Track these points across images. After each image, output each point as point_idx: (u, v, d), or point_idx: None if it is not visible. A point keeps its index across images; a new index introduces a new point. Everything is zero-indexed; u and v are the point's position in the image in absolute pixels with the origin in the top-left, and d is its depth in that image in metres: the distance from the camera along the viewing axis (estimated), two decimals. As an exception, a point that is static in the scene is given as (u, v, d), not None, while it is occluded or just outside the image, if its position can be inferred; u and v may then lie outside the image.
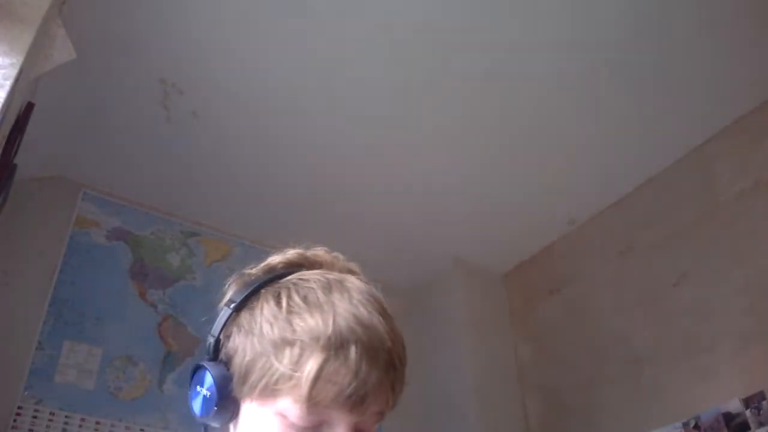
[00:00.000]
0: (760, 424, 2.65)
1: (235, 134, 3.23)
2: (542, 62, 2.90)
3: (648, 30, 2.77)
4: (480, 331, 3.91)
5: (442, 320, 4.02)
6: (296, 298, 0.85)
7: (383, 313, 0.87)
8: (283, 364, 0.80)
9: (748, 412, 2.71)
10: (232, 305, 0.88)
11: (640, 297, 3.34)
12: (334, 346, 0.79)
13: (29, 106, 2.41)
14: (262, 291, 0.88)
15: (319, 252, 0.96)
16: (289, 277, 0.89)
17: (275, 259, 0.94)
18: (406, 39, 2.79)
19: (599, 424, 3.34)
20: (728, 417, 2.77)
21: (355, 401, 0.79)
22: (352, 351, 0.80)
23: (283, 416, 0.80)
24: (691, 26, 2.75)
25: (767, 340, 2.76)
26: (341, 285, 0.87)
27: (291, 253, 0.94)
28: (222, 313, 0.88)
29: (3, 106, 1.66)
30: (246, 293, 0.88)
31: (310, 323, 0.81)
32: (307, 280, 0.88)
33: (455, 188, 3.56)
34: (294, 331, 0.81)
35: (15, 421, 2.85)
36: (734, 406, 2.77)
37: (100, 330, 3.20)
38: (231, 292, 0.91)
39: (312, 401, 0.78)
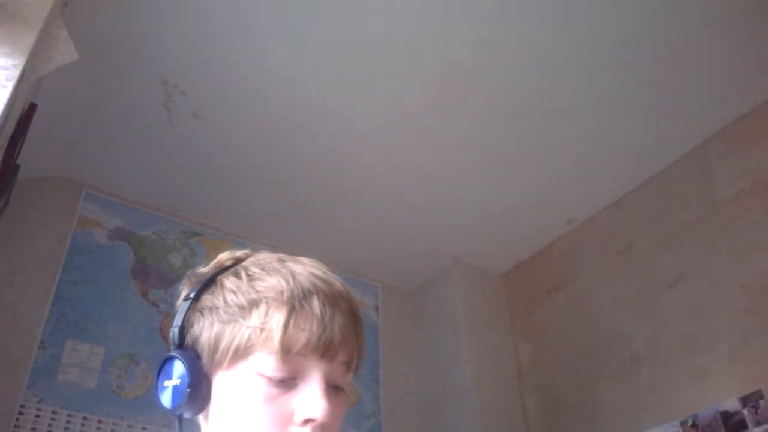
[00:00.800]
0: (758, 423, 2.65)
1: (236, 135, 3.24)
2: (542, 61, 2.91)
3: (647, 30, 2.77)
4: (479, 330, 3.91)
5: (441, 320, 4.03)
6: (254, 269, 0.90)
7: (335, 274, 0.92)
8: (252, 322, 0.83)
9: (745, 411, 2.72)
10: (192, 295, 0.90)
11: (639, 297, 3.34)
12: (298, 297, 0.84)
13: (32, 107, 2.42)
14: (218, 277, 0.91)
15: (265, 252, 0.99)
16: (242, 263, 0.93)
17: (224, 256, 0.97)
18: (407, 39, 2.80)
19: (598, 422, 3.35)
20: (726, 416, 2.78)
21: (325, 345, 0.83)
22: (315, 300, 0.85)
23: (259, 374, 0.82)
24: (690, 26, 2.75)
25: (765, 340, 2.76)
26: (293, 258, 0.93)
27: (239, 252, 0.98)
28: (183, 305, 0.91)
29: (6, 106, 1.67)
30: (202, 283, 0.91)
31: (271, 282, 0.86)
32: (262, 258, 0.93)
33: (455, 189, 3.57)
34: (258, 292, 0.86)
35: (18, 419, 2.85)
36: (732, 404, 2.77)
37: (102, 329, 3.21)
38: (186, 289, 0.94)
39: (284, 349, 0.81)
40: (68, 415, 2.98)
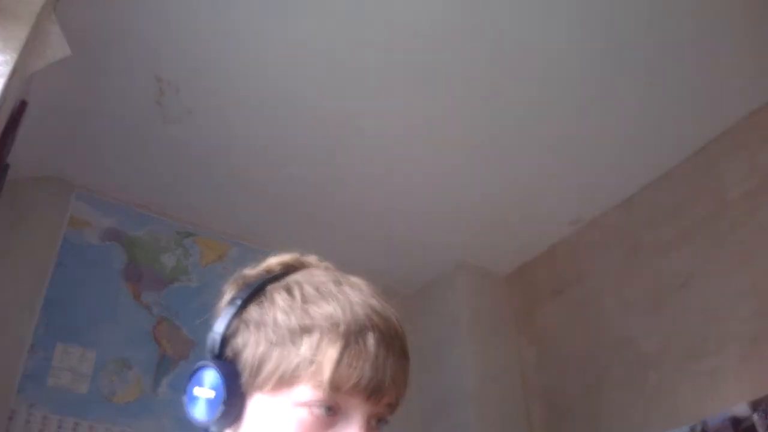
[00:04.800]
0: (768, 429, 2.63)
1: (231, 133, 3.21)
2: (546, 61, 2.88)
3: (654, 28, 2.75)
4: (483, 333, 3.90)
5: (445, 322, 4.01)
6: (309, 289, 0.85)
7: (390, 306, 0.89)
8: (302, 350, 0.79)
9: (755, 416, 2.69)
10: (238, 302, 0.87)
11: (646, 299, 3.32)
12: (354, 332, 0.80)
13: (22, 105, 2.41)
14: (268, 287, 0.88)
15: (311, 259, 0.97)
16: (295, 275, 0.90)
17: (273, 260, 0.94)
18: (406, 37, 2.78)
19: (604, 427, 3.33)
20: (735, 421, 2.76)
21: (374, 388, 0.80)
22: (370, 338, 0.81)
23: (301, 405, 0.79)
24: (698, 23, 2.73)
25: (776, 342, 2.74)
26: (349, 280, 0.89)
27: (287, 257, 0.95)
28: (226, 310, 0.87)
29: (-4, 104, 1.63)
30: (251, 290, 0.87)
31: (328, 310, 0.82)
32: (317, 275, 0.89)
33: (458, 190, 3.55)
34: (312, 318, 0.81)
35: (8, 425, 2.82)
36: (742, 410, 2.75)
37: (94, 332, 3.18)
38: (233, 292, 0.90)
39: (332, 386, 0.78)
40: (59, 421, 2.95)
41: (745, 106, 3.09)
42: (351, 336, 0.80)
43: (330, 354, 0.78)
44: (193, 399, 0.83)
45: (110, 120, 3.13)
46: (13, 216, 3.16)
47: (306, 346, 0.80)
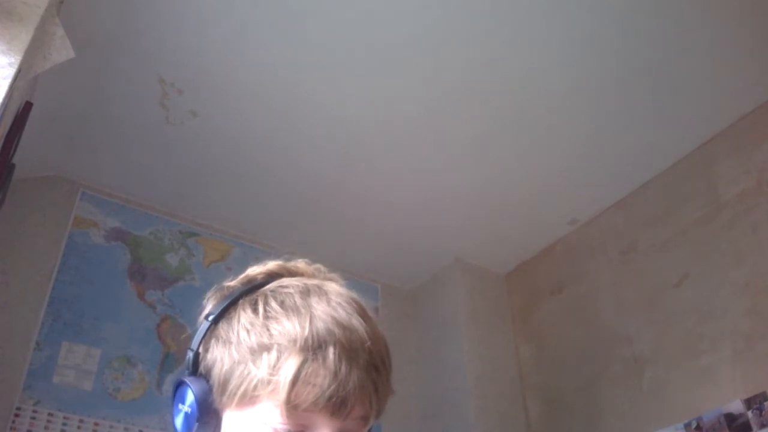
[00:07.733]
0: (762, 425, 2.64)
1: (234, 134, 3.22)
2: (543, 62, 2.89)
3: (650, 30, 2.75)
4: (481, 331, 3.89)
5: (443, 320, 4.01)
6: (273, 304, 0.83)
7: (363, 314, 0.85)
8: (260, 369, 0.78)
9: (749, 413, 2.70)
10: (211, 317, 0.86)
11: (642, 297, 3.33)
12: (312, 347, 0.78)
13: (27, 106, 2.40)
14: (240, 301, 0.86)
15: (299, 264, 0.94)
16: (267, 286, 0.88)
17: (255, 270, 0.92)
18: (405, 38, 2.78)
19: (600, 424, 3.33)
20: (730, 418, 2.77)
21: (336, 403, 0.77)
22: (331, 352, 0.78)
23: (264, 423, 0.78)
24: (694, 25, 2.74)
25: (769, 341, 2.75)
26: (320, 289, 0.86)
27: (271, 264, 0.92)
28: (200, 326, 0.87)
29: (1, 105, 1.65)
30: (224, 305, 0.86)
31: (287, 326, 0.80)
32: (286, 287, 0.87)
33: (457, 189, 3.55)
34: (271, 335, 0.80)
35: (14, 422, 2.84)
36: (736, 407, 2.76)
37: (99, 330, 3.19)
38: (210, 305, 0.89)
39: (291, 404, 0.76)
40: (64, 418, 2.96)
41: (740, 107, 3.10)
42: (309, 351, 0.78)
43: (286, 372, 0.77)
44: (177, 412, 0.85)
45: (115, 121, 3.14)
46: (19, 215, 3.18)
47: (264, 364, 0.78)
